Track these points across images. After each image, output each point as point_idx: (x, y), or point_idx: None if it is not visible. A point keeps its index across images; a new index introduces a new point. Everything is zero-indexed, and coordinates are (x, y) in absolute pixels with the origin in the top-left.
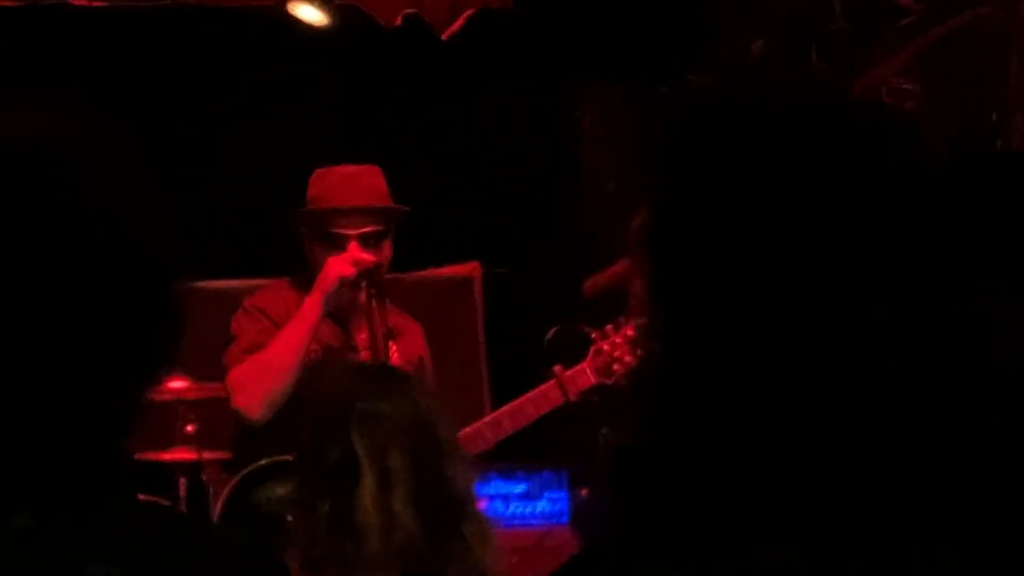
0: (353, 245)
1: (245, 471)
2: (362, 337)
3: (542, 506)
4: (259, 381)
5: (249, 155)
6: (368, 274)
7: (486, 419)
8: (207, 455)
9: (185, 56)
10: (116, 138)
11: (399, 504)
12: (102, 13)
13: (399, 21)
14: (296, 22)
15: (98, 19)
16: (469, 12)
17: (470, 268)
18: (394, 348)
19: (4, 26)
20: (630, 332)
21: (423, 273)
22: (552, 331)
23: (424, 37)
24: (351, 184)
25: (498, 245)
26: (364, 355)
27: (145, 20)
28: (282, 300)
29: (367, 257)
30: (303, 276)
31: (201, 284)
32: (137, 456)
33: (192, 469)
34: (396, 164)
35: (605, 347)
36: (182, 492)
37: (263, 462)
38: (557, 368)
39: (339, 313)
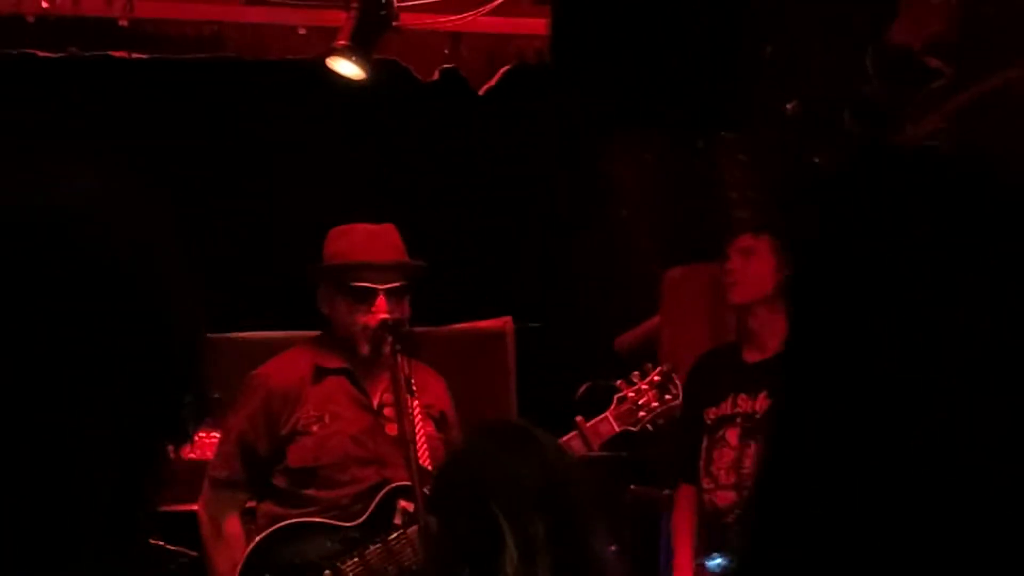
0: (381, 299)
1: (273, 528)
2: (378, 395)
3: None
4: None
5: (287, 209)
6: (394, 328)
7: None
8: (250, 503)
9: (224, 109)
10: (146, 195)
11: (542, 572)
12: (143, 65)
13: (436, 76)
14: (335, 76)
15: (139, 72)
16: (506, 67)
17: (503, 322)
18: (416, 403)
19: (45, 77)
20: (656, 378)
21: (457, 327)
22: (583, 387)
23: (461, 92)
24: (375, 240)
25: (531, 300)
26: (388, 412)
27: (185, 73)
28: (294, 369)
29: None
30: (322, 337)
31: (239, 335)
32: (170, 507)
33: None
34: (430, 218)
35: (630, 394)
36: None
37: (293, 521)
38: (579, 419)
39: (355, 372)
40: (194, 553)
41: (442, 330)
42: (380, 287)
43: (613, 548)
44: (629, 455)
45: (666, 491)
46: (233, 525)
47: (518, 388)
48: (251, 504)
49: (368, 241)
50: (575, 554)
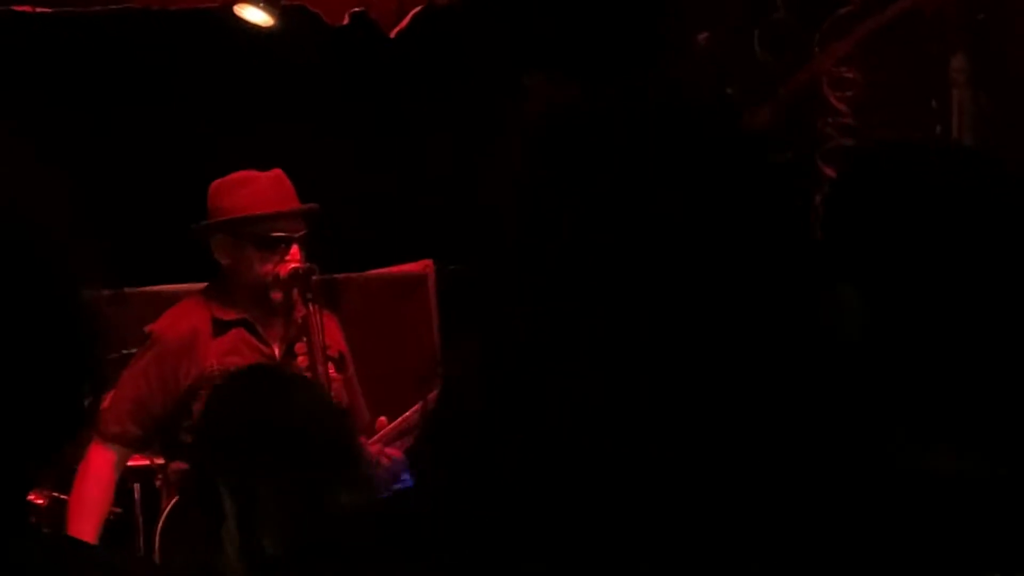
0: (295, 248)
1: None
2: (279, 345)
3: None
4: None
5: (197, 158)
6: (305, 275)
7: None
8: (159, 460)
9: (129, 60)
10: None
11: (267, 542)
12: (45, 19)
13: (346, 20)
14: (243, 24)
15: (41, 25)
16: (416, 9)
17: (423, 265)
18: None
19: None
20: None
21: (376, 272)
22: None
23: (372, 35)
24: (278, 189)
25: (453, 242)
26: (301, 361)
27: (89, 25)
28: (189, 322)
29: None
30: (214, 288)
31: (146, 289)
32: None
33: (145, 475)
34: (345, 163)
35: None
36: (136, 497)
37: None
38: None
39: (254, 323)
40: (119, 510)
41: (361, 276)
42: (294, 235)
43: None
44: None
45: None
46: (106, 474)
47: (441, 332)
48: (159, 461)
49: (271, 190)
50: (313, 521)
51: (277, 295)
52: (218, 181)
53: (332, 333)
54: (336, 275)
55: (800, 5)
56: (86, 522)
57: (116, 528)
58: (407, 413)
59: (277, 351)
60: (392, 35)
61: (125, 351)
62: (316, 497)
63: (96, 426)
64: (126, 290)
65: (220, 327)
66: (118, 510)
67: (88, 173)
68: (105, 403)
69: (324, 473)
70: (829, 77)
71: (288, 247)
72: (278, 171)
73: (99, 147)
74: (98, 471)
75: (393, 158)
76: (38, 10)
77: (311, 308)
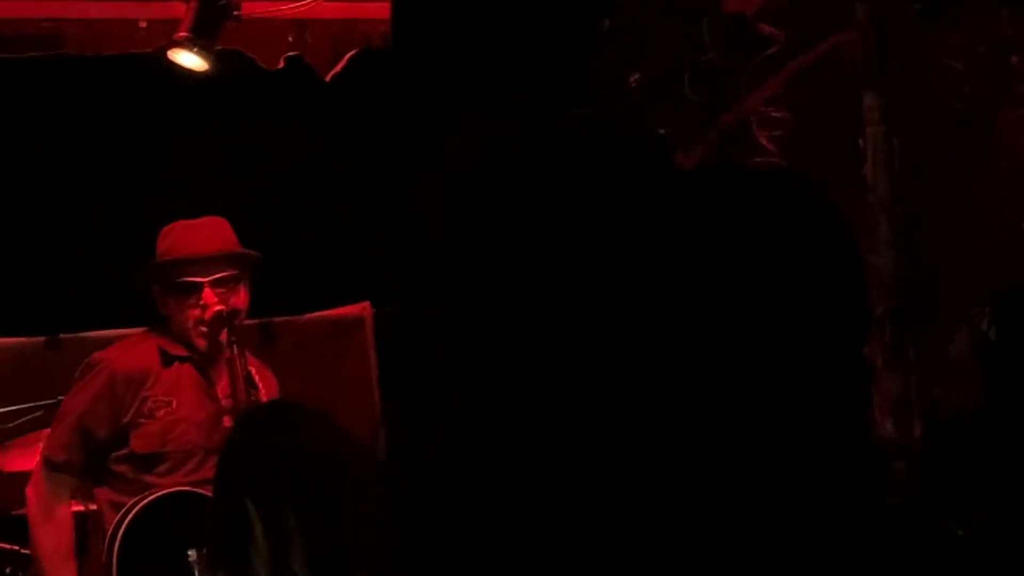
0: (207, 292)
1: (138, 508)
2: (222, 385)
3: None
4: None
5: (130, 204)
6: (224, 319)
7: None
8: (92, 506)
9: (64, 106)
10: None
11: (297, 565)
12: None
13: (282, 64)
14: (178, 69)
15: None
16: (352, 52)
17: (360, 308)
18: (261, 395)
19: None
20: None
21: (314, 315)
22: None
23: (307, 79)
24: (196, 233)
25: (389, 284)
26: (225, 403)
27: (23, 71)
28: (140, 353)
29: (219, 304)
30: (162, 326)
31: (90, 334)
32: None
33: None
34: (281, 207)
35: None
36: None
37: (156, 495)
38: None
39: (200, 361)
40: (26, 551)
41: (299, 319)
42: (204, 280)
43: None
44: None
45: None
46: (64, 509)
47: (380, 375)
48: (92, 507)
49: (189, 235)
50: (333, 545)
51: (200, 341)
52: (163, 228)
53: (266, 380)
54: (274, 318)
55: (728, 46)
56: (64, 567)
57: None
58: None
59: (219, 392)
60: (328, 78)
61: (61, 396)
62: (338, 520)
63: (41, 456)
64: (61, 336)
65: (167, 360)
66: (26, 551)
67: (23, 220)
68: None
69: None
70: (758, 117)
71: (200, 291)
72: (209, 218)
73: (34, 194)
74: (53, 506)
75: (329, 202)
76: None
77: (234, 351)
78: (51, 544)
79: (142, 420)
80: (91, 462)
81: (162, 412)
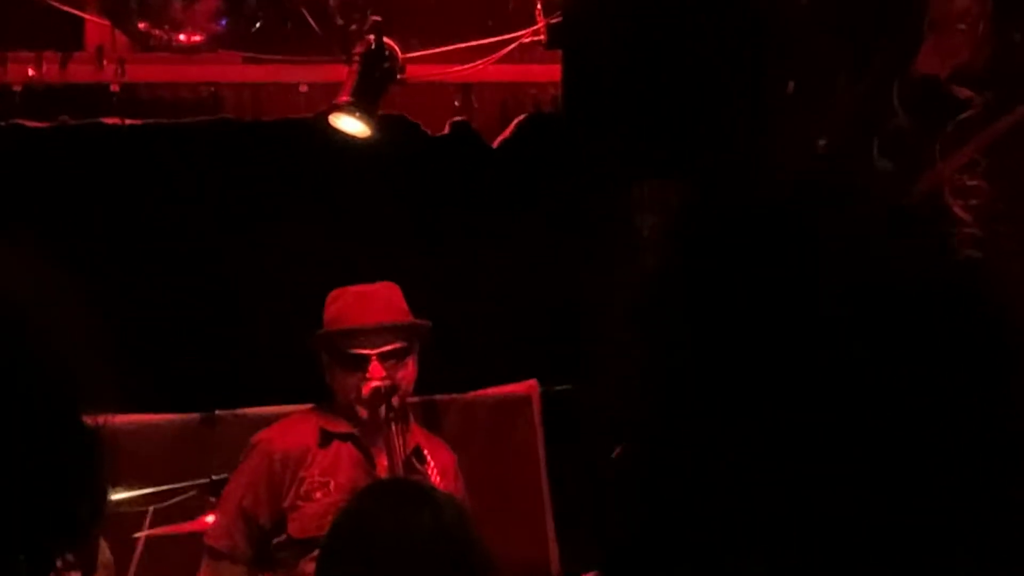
0: (375, 364)
1: None
2: (382, 463)
3: None
4: None
5: (294, 273)
6: (383, 395)
7: None
8: None
9: (223, 172)
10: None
11: None
12: (138, 131)
13: (447, 129)
14: (339, 134)
15: (134, 137)
16: (521, 117)
17: (528, 386)
18: (430, 471)
19: (38, 147)
20: None
21: (480, 392)
22: (618, 450)
23: (474, 146)
24: (367, 302)
25: (558, 362)
26: None
27: (182, 137)
28: (298, 432)
29: (380, 380)
30: (326, 404)
31: (241, 411)
32: None
33: None
34: (448, 279)
35: None
36: None
37: None
38: None
39: (363, 438)
40: None
41: (465, 397)
42: (371, 352)
43: None
44: None
45: None
46: None
47: (547, 454)
48: None
49: (358, 304)
50: None
51: (363, 412)
52: (330, 292)
53: (437, 454)
54: (437, 396)
55: (920, 110)
56: None
57: None
58: None
59: (382, 468)
60: (495, 145)
61: (215, 476)
62: None
63: (205, 545)
64: (217, 412)
65: (327, 438)
66: None
67: (180, 292)
68: (212, 519)
69: None
70: (952, 185)
71: (367, 364)
72: (380, 284)
73: (192, 265)
74: None
75: (497, 274)
76: (128, 122)
77: (394, 428)
78: None
79: (300, 503)
80: (256, 549)
81: (319, 494)
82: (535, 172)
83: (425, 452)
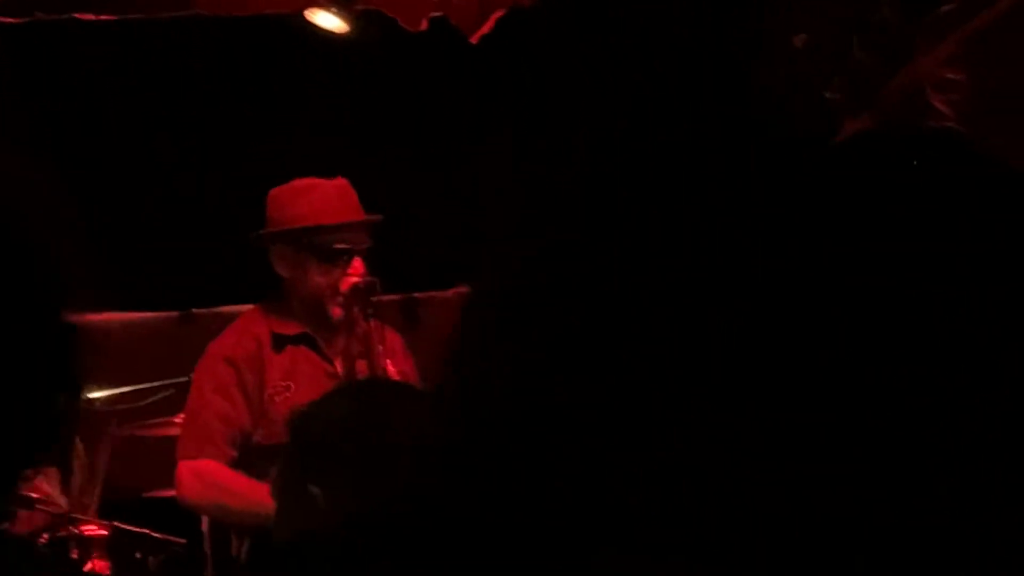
0: (357, 261)
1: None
2: (342, 361)
3: None
4: (205, 506)
5: (270, 171)
6: (367, 291)
7: None
8: None
9: (196, 68)
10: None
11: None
12: (111, 27)
13: (425, 25)
14: (316, 30)
15: (107, 34)
16: (499, 13)
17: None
18: (391, 368)
19: (10, 43)
20: None
21: (458, 290)
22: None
23: (452, 41)
24: (342, 199)
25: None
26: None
27: (157, 33)
28: (252, 338)
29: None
30: (275, 301)
31: (219, 309)
32: (155, 494)
33: None
34: (423, 177)
35: None
36: (204, 528)
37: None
38: None
39: (316, 337)
40: (183, 541)
41: (442, 294)
42: (354, 248)
43: None
44: None
45: None
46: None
47: None
48: None
49: (335, 200)
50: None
51: (336, 310)
52: (278, 188)
53: (397, 353)
54: (416, 294)
55: (903, 3)
56: (249, 485)
57: (182, 562)
58: None
59: (339, 367)
60: (474, 40)
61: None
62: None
63: (184, 456)
64: (194, 311)
65: (280, 342)
66: (182, 541)
67: (152, 184)
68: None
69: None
70: (934, 79)
71: (350, 260)
72: (342, 180)
73: (173, 161)
74: (212, 470)
75: (475, 171)
76: (102, 18)
77: (371, 325)
78: (251, 497)
79: (264, 408)
80: (238, 453)
81: (280, 399)
82: (515, 67)
83: (373, 343)
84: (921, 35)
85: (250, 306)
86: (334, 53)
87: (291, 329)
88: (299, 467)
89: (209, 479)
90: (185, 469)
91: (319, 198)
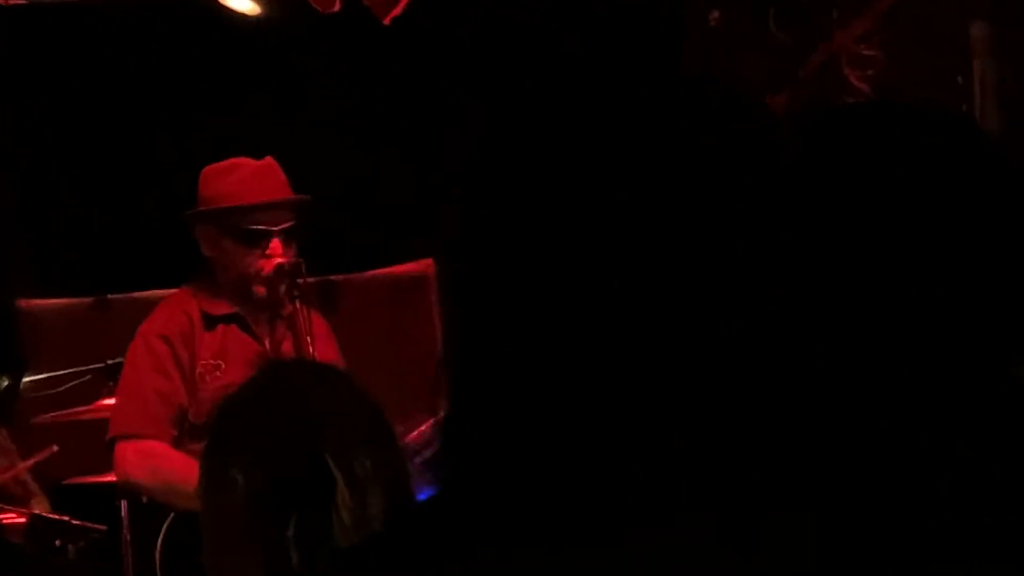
0: (276, 242)
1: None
2: (272, 343)
3: None
4: (151, 486)
5: (184, 154)
6: (287, 273)
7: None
8: None
9: (112, 52)
10: None
11: (373, 514)
12: (16, 10)
13: (337, 6)
14: (228, 13)
15: (14, 15)
16: None
17: (424, 265)
18: (315, 352)
19: None
20: None
21: (376, 272)
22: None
23: (365, 22)
24: (264, 178)
25: (458, 239)
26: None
27: (67, 15)
28: (183, 316)
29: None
30: (203, 281)
31: (134, 295)
32: (73, 480)
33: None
34: (340, 157)
35: None
36: (123, 515)
37: None
38: None
39: (246, 318)
40: (103, 527)
41: (359, 276)
42: (273, 228)
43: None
44: None
45: None
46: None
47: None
48: None
49: (256, 180)
50: (402, 484)
51: (260, 290)
52: (207, 168)
53: (321, 336)
54: (333, 276)
55: None
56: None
57: (102, 549)
58: (422, 428)
59: (269, 347)
60: (387, 21)
61: (110, 361)
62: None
63: (123, 435)
64: (109, 296)
65: (210, 322)
66: (102, 528)
67: (69, 178)
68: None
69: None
70: (849, 56)
71: (270, 240)
72: (269, 159)
73: (85, 145)
74: (158, 449)
75: (390, 152)
76: (11, 3)
77: (297, 306)
78: (181, 468)
79: (196, 387)
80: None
81: (210, 377)
82: (428, 49)
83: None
84: (836, 12)
85: (168, 291)
86: (247, 35)
87: (220, 309)
88: (220, 450)
89: (155, 459)
90: (128, 448)
91: (242, 178)
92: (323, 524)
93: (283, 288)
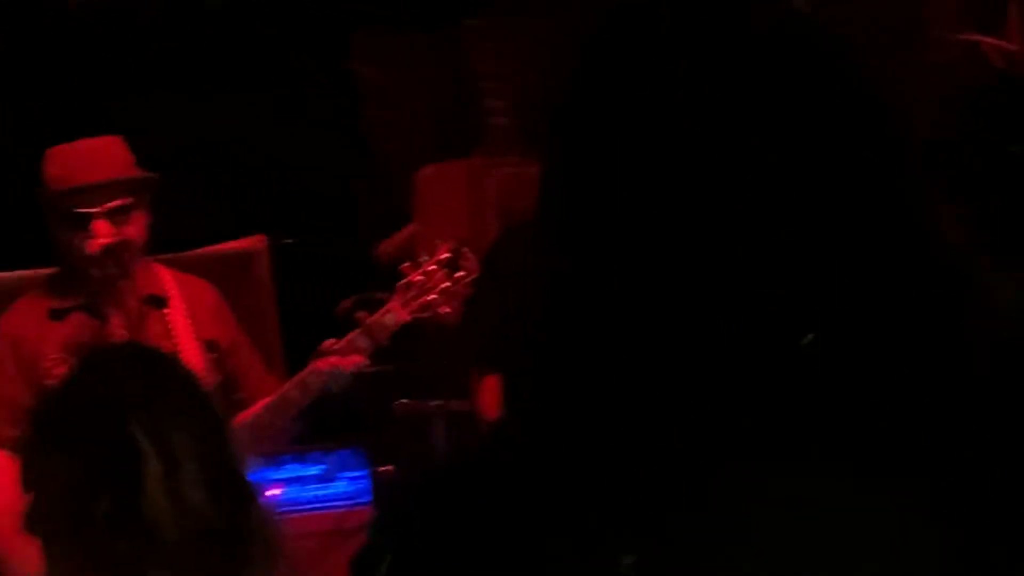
0: (99, 224)
1: None
2: (116, 323)
3: (341, 487)
4: None
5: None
6: (117, 251)
7: (276, 395)
8: None
9: None
10: None
11: (188, 487)
12: None
13: None
14: None
15: None
16: None
17: (254, 241)
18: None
19: None
20: (445, 255)
21: (204, 250)
22: (349, 301)
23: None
24: (91, 157)
25: (289, 217)
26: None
27: None
28: (33, 315)
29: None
30: (57, 271)
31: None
32: None
33: None
34: (174, 137)
35: (416, 278)
36: None
37: None
38: (361, 314)
39: (100, 304)
40: None
41: (189, 255)
42: (95, 210)
43: (386, 469)
44: (395, 368)
45: (435, 403)
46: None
47: (280, 309)
48: None
49: (82, 160)
50: (220, 462)
51: (95, 272)
52: (48, 150)
53: (197, 299)
54: (160, 255)
55: None
56: None
57: None
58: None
59: (122, 332)
60: None
61: None
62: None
63: None
64: None
65: (57, 315)
66: None
67: None
68: None
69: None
70: None
71: (93, 221)
72: (102, 138)
73: None
74: None
75: (220, 127)
76: None
77: (122, 286)
78: None
79: (43, 384)
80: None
81: (58, 371)
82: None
83: (168, 296)
84: None
85: (22, 272)
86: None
87: (69, 298)
88: (36, 441)
89: None
90: None
91: (62, 161)
92: (133, 498)
93: (114, 269)
